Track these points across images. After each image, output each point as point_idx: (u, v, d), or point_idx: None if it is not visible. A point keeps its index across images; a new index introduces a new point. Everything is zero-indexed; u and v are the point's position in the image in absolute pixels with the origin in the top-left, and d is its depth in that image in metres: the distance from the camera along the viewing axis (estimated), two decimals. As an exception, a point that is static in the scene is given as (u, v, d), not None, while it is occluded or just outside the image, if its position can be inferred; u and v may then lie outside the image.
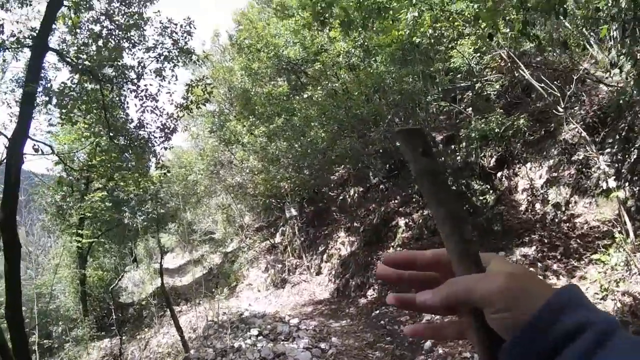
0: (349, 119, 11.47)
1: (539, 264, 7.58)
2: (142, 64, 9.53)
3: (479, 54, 9.57)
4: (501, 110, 9.86)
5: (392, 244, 11.37)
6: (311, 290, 12.99)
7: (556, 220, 8.53)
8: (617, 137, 7.82)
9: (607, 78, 8.58)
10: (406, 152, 0.53)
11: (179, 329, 10.64)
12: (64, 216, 16.33)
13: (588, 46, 8.72)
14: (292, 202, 15.38)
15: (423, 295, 0.55)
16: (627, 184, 7.33)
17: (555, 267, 7.39)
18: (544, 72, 8.87)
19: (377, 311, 9.41)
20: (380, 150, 12.94)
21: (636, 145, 7.30)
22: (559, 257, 7.54)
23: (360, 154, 12.35)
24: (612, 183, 6.03)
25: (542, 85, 7.89)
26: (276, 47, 15.06)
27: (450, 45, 9.81)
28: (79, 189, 16.81)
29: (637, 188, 7.04)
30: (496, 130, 9.44)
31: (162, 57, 9.57)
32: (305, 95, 13.41)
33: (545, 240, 8.08)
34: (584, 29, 8.40)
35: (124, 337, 15.04)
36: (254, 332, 8.40)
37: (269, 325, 8.87)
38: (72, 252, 18.04)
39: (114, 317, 15.02)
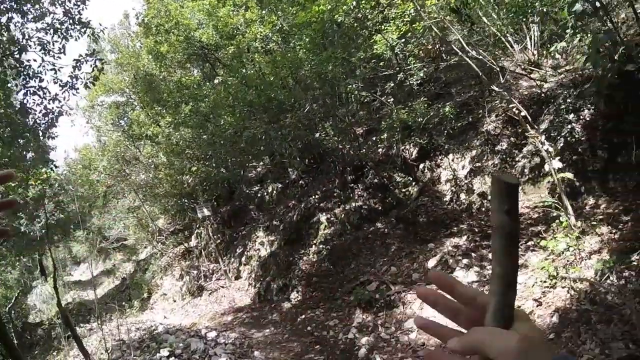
0: (261, 100, 10.63)
1: (473, 254, 7.37)
2: (26, 36, 8.11)
3: (403, 40, 9.08)
4: (425, 99, 9.56)
5: (314, 241, 10.81)
6: (230, 297, 12.09)
7: (483, 209, 8.63)
8: (540, 127, 7.87)
9: (525, 75, 9.04)
10: (493, 201, 0.54)
11: (85, 354, 9.54)
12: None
13: (508, 46, 9.06)
14: (204, 201, 14.33)
15: (452, 342, 0.59)
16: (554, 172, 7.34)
17: (490, 256, 7.05)
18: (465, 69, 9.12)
19: (303, 316, 8.69)
20: (299, 144, 12.31)
21: (562, 134, 7.35)
22: (492, 245, 7.30)
23: (274, 141, 11.50)
24: (556, 164, 5.73)
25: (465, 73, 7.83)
26: (187, 28, 13.78)
27: (374, 29, 9.26)
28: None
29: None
30: (419, 120, 9.22)
31: (51, 29, 8.21)
32: (216, 81, 12.40)
33: (476, 230, 7.97)
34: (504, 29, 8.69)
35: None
36: (164, 352, 7.41)
37: (181, 342, 7.91)
38: (-36, 267, 16.04)
39: (16, 342, 13.40)
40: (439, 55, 8.64)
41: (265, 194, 14.27)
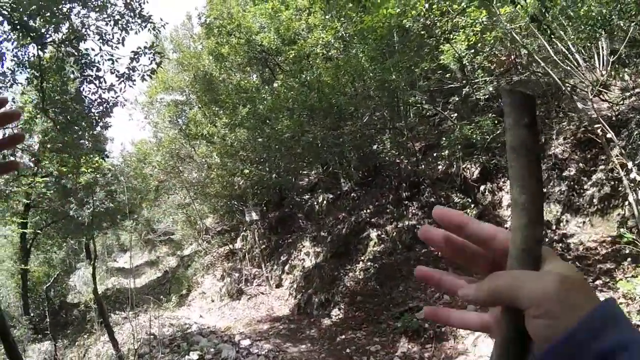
0: (322, 105, 10.25)
1: None
2: (86, 25, 8.07)
3: (472, 51, 8.48)
4: (493, 115, 8.94)
5: (362, 258, 10.32)
6: (269, 305, 11.74)
7: (546, 239, 7.94)
8: (613, 153, 7.30)
9: (595, 96, 8.30)
10: (508, 116, 0.46)
11: (114, 343, 9.48)
12: (7, 202, 14.69)
13: (576, 64, 8.31)
14: (253, 204, 14.10)
15: (465, 290, 0.51)
16: (626, 202, 6.91)
17: None
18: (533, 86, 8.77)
19: (343, 336, 8.16)
20: (354, 156, 11.86)
21: (636, 162, 6.71)
22: (557, 283, 6.58)
23: (332, 148, 11.04)
24: None
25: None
26: (249, 31, 13.66)
27: (442, 38, 8.71)
28: (25, 173, 15.24)
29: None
30: (485, 137, 8.64)
31: (111, 20, 8.16)
32: (276, 85, 12.15)
33: None
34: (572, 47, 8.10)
35: (65, 342, 13.86)
36: (194, 356, 7.12)
37: (213, 347, 7.59)
38: (15, 244, 16.68)
39: (48, 319, 13.68)
40: (513, 67, 8.01)
41: (315, 203, 13.91)
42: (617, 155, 6.17)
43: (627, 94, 7.92)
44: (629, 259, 6.03)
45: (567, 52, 8.18)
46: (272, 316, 10.90)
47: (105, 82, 8.54)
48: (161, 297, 16.17)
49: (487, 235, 0.52)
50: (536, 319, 0.44)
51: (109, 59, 8.33)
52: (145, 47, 8.39)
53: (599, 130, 6.19)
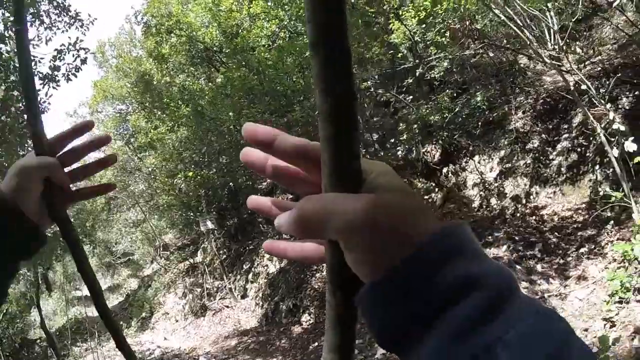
0: (263, 87, 9.56)
1: (518, 267, 6.30)
2: (7, 25, 7.24)
3: (424, 26, 7.96)
4: (450, 91, 8.56)
5: (329, 257, 9.71)
6: (235, 318, 10.99)
7: (518, 214, 7.91)
8: (574, 121, 7.71)
9: (548, 71, 8.70)
10: (308, 3, 0.33)
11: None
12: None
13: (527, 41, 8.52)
14: (208, 213, 13.29)
15: (279, 219, 0.42)
16: (597, 167, 6.99)
17: (539, 267, 6.24)
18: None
19: (315, 343, 7.51)
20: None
21: (602, 125, 6.40)
22: (539, 255, 6.49)
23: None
24: (631, 145, 4.60)
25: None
26: (189, 27, 12.80)
27: (391, 14, 8.19)
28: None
29: (610, 170, 6.46)
30: (445, 116, 8.27)
31: (36, 20, 7.39)
32: (219, 80, 11.35)
33: (516, 238, 7.01)
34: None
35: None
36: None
37: (176, 373, 6.87)
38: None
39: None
40: (469, 37, 7.61)
41: (275, 204, 13.20)
42: (595, 110, 5.87)
43: (581, 65, 7.95)
44: (611, 222, 5.86)
45: (518, 28, 8.22)
46: (239, 330, 10.19)
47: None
48: (121, 323, 15.19)
49: (298, 149, 0.43)
50: (349, 254, 0.37)
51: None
52: (69, 44, 7.58)
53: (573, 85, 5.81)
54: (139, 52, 18.20)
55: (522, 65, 9.42)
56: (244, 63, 9.97)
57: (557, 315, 0.35)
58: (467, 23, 7.20)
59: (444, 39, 8.04)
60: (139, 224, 20.53)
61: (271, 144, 0.44)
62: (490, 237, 7.30)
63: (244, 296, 11.82)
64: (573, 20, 7.26)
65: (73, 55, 7.66)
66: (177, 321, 12.87)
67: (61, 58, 7.63)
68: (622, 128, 4.75)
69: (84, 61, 7.92)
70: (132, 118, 16.78)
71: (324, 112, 0.35)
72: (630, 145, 4.59)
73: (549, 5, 7.10)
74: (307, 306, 8.95)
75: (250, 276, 11.89)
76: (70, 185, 0.73)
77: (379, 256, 0.35)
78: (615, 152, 4.80)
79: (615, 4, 7.08)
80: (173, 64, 14.26)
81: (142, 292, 17.30)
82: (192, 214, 14.89)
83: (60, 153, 0.73)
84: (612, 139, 4.98)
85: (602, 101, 5.55)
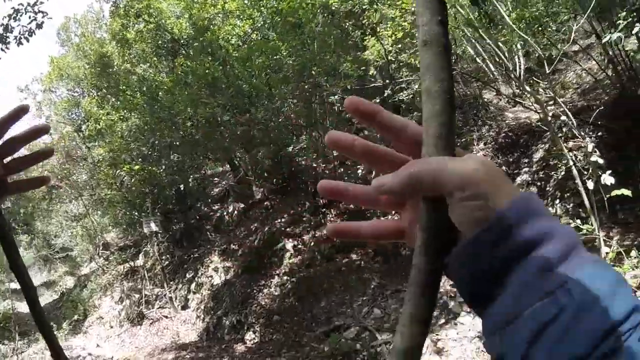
0: (227, 79, 9.05)
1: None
2: None
3: (399, 46, 7.77)
4: (418, 115, 8.41)
5: (277, 272, 9.41)
6: (174, 330, 10.41)
7: None
8: (534, 156, 7.94)
9: (510, 107, 9.18)
10: (424, 13, 0.47)
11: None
12: None
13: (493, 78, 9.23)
14: (151, 213, 12.60)
15: (382, 179, 0.47)
16: (557, 201, 7.16)
17: None
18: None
19: (258, 365, 7.15)
20: (267, 160, 10.82)
21: (563, 162, 6.81)
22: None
23: (236, 137, 9.87)
24: (608, 179, 4.54)
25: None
26: (160, 14, 12.09)
27: (368, 30, 7.98)
28: None
29: (570, 205, 6.94)
30: None
31: None
32: (180, 71, 10.66)
33: None
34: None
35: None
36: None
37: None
38: None
39: None
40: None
41: (225, 214, 12.79)
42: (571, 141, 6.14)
43: (544, 104, 8.02)
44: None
45: (485, 64, 8.83)
46: (177, 343, 9.61)
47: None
48: (52, 323, 14.24)
49: (399, 124, 0.50)
50: (464, 202, 0.42)
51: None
52: (28, 4, 6.98)
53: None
54: (104, 34, 17.29)
55: (485, 99, 9.68)
56: (209, 51, 9.41)
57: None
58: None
59: (417, 61, 7.90)
60: (80, 218, 19.46)
61: (375, 115, 0.49)
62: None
63: (184, 307, 11.26)
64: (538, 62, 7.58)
65: (29, 17, 7.02)
66: (111, 327, 12.14)
67: (17, 18, 7.01)
68: (601, 161, 4.72)
69: (39, 25, 7.29)
70: (84, 102, 15.82)
71: (433, 92, 0.44)
72: (607, 179, 4.57)
73: (519, 45, 7.46)
74: (252, 323, 8.52)
75: (193, 286, 11.36)
76: (8, 177, 0.71)
77: (490, 202, 0.41)
78: (591, 184, 4.76)
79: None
80: (136, 51, 13.52)
81: (77, 292, 16.36)
82: (136, 213, 14.16)
83: None
84: (585, 173, 4.98)
85: (582, 133, 5.64)
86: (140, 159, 12.12)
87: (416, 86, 8.51)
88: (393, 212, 0.55)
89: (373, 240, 0.54)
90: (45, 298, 21.03)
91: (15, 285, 26.62)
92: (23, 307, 19.20)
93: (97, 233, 18.54)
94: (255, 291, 9.25)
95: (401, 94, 8.69)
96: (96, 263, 16.82)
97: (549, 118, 6.25)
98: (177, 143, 11.14)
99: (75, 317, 13.87)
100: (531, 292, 0.39)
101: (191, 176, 13.36)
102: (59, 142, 16.93)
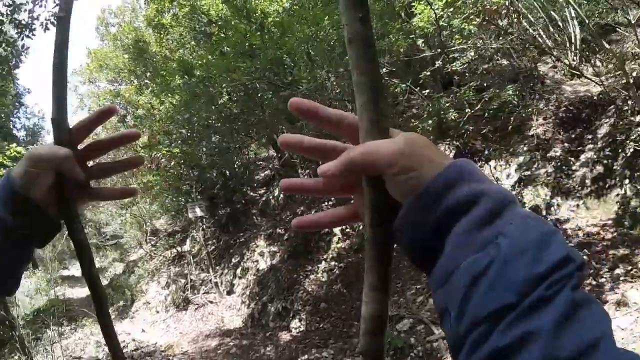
0: (265, 44, 8.46)
1: None
2: None
3: (451, 10, 7.06)
4: (475, 84, 7.81)
5: (325, 256, 8.99)
6: (219, 316, 10.16)
7: None
8: (599, 132, 7.22)
9: (567, 80, 8.62)
10: (345, 13, 0.51)
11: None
12: None
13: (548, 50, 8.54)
14: (195, 199, 12.40)
15: (325, 166, 0.53)
16: (626, 181, 6.47)
17: None
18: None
19: (305, 356, 6.64)
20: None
21: (632, 138, 6.47)
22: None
23: (278, 113, 9.24)
24: None
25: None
26: None
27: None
28: None
29: None
30: (462, 112, 7.51)
31: None
32: (214, 39, 10.15)
33: None
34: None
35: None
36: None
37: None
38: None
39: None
40: (508, 17, 6.82)
41: (271, 197, 12.47)
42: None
43: (602, 77, 7.67)
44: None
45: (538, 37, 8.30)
46: (222, 330, 9.33)
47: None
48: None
49: (336, 117, 0.56)
50: (396, 177, 0.47)
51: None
52: None
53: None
54: (141, 24, 17.25)
55: (541, 72, 9.05)
56: (245, 14, 8.88)
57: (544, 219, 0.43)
58: (507, 3, 6.34)
59: (471, 26, 7.19)
60: (129, 206, 19.76)
61: (317, 112, 0.55)
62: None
63: (230, 292, 11.00)
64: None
65: (55, 2, 6.79)
66: (157, 312, 12.09)
67: (42, 5, 6.81)
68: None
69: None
70: (123, 89, 15.84)
71: (361, 84, 0.50)
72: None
73: (572, 13, 7.18)
74: (297, 310, 8.11)
75: (238, 271, 11.08)
76: (91, 182, 0.73)
77: (419, 173, 0.46)
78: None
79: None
80: (173, 36, 13.27)
81: (125, 277, 16.52)
82: (183, 199, 14.05)
83: (85, 146, 0.71)
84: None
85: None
86: (180, 142, 11.84)
87: (471, 53, 7.81)
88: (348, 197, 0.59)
89: (332, 226, 0.61)
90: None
91: (67, 272, 27.69)
92: (74, 293, 19.75)
93: (146, 220, 18.86)
94: (301, 277, 8.86)
95: (454, 64, 8.00)
96: (144, 249, 16.99)
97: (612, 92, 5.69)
98: (214, 119, 10.66)
99: (121, 302, 13.97)
100: (465, 249, 0.42)
101: (237, 160, 13.14)
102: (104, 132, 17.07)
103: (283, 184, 0.59)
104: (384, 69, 8.08)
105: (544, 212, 7.26)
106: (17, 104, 23.81)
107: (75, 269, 29.78)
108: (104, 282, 20.33)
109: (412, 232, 0.46)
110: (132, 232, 20.51)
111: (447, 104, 7.42)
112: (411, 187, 0.46)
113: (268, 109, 9.48)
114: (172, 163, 11.83)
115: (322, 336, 6.97)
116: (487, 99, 7.61)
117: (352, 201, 0.59)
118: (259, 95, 9.33)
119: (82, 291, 20.07)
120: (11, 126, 23.31)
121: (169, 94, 11.19)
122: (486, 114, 7.89)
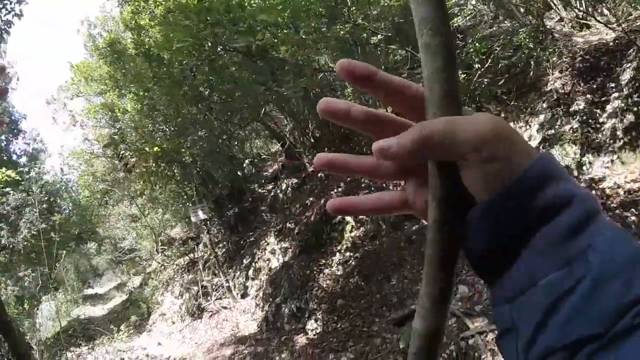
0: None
1: None
2: None
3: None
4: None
5: (339, 248, 8.33)
6: (234, 321, 9.60)
7: None
8: (622, 78, 6.62)
9: (577, 32, 8.29)
10: None
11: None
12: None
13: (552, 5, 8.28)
14: (198, 201, 11.84)
15: (386, 142, 0.40)
16: None
17: None
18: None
19: (321, 360, 6.01)
20: (314, 121, 9.65)
21: None
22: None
23: (271, 90, 7.86)
24: None
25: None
26: None
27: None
28: None
29: None
30: (477, 67, 6.94)
31: None
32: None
33: None
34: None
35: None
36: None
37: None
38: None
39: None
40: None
41: (279, 192, 11.89)
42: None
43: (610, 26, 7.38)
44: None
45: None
46: (237, 336, 8.76)
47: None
48: (112, 327, 14.06)
49: (399, 85, 0.43)
50: (482, 164, 0.38)
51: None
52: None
53: None
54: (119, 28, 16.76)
55: (548, 27, 8.54)
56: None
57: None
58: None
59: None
60: (139, 218, 19.48)
61: (373, 77, 0.42)
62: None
63: (244, 295, 10.45)
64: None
65: (8, 9, 6.28)
66: (173, 323, 11.64)
67: None
68: None
69: (19, 15, 6.57)
70: (106, 97, 15.37)
71: (432, 47, 0.39)
72: None
73: None
74: (313, 310, 7.43)
75: (250, 272, 10.51)
76: None
77: (511, 162, 0.37)
78: None
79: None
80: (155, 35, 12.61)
81: (140, 290, 16.23)
82: (190, 204, 13.51)
83: None
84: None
85: None
86: (162, 139, 11.06)
87: (473, 1, 7.09)
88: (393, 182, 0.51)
89: (374, 212, 0.49)
90: (116, 300, 21.55)
91: (91, 291, 27.77)
92: (95, 311, 19.60)
93: (156, 230, 18.40)
94: (315, 272, 8.21)
95: (456, 19, 7.30)
96: (155, 260, 16.66)
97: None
98: (186, 108, 9.65)
99: (133, 317, 13.66)
100: (548, 261, 0.36)
101: (246, 160, 12.60)
102: (100, 141, 16.64)
103: (319, 159, 0.47)
104: (379, 35, 7.32)
105: (575, 173, 6.72)
106: (15, 130, 23.70)
107: (99, 287, 29.93)
108: (123, 297, 20.17)
109: (486, 233, 0.38)
110: (147, 244, 20.11)
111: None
112: (497, 180, 0.37)
113: (240, 83, 8.11)
114: (150, 162, 11.02)
115: (340, 338, 6.24)
116: (497, 48, 6.89)
117: (390, 187, 0.39)
118: (223, 66, 8.04)
119: (105, 307, 20.14)
120: (12, 152, 23.28)
121: (145, 92, 10.44)
122: (500, 66, 7.26)
